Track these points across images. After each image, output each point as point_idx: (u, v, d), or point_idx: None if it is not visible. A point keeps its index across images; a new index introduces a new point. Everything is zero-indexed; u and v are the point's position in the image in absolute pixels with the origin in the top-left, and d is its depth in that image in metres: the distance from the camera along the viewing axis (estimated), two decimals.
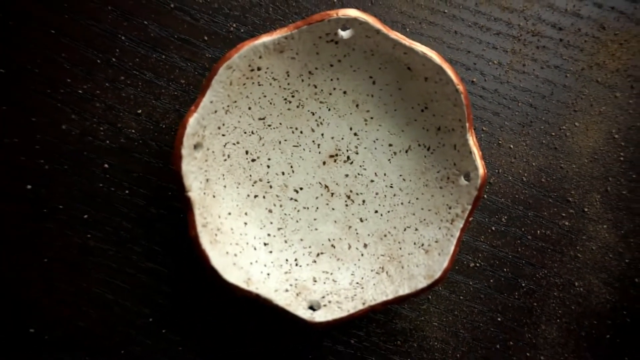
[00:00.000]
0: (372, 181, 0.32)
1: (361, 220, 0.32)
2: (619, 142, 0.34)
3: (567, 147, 0.34)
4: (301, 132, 0.31)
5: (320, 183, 0.31)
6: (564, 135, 0.34)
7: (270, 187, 0.31)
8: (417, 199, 0.31)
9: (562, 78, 0.33)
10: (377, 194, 0.31)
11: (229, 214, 0.29)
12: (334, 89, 0.30)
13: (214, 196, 0.29)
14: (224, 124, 0.29)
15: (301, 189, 0.31)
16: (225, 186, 0.30)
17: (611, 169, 0.34)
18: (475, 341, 0.33)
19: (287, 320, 0.32)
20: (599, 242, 0.34)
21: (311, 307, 0.29)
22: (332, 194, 0.32)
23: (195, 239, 0.26)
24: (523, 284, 0.34)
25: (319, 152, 0.31)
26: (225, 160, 0.29)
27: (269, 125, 0.30)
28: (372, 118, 0.31)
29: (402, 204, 0.31)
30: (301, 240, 0.31)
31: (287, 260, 0.31)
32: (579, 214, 0.34)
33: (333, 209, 0.32)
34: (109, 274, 0.31)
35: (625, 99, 0.34)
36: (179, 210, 0.32)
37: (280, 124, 0.31)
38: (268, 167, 0.31)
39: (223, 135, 0.29)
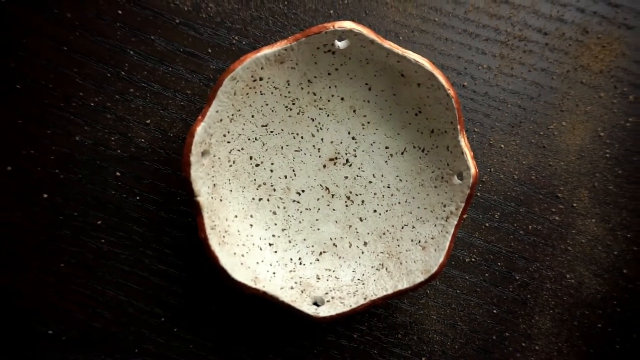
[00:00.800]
0: (370, 182, 0.33)
1: (361, 219, 0.33)
2: (605, 140, 0.35)
3: (555, 146, 0.35)
4: (302, 138, 0.32)
5: (321, 185, 0.33)
6: (552, 135, 0.35)
7: (274, 190, 0.32)
8: (413, 198, 0.32)
9: (548, 80, 0.35)
10: (375, 194, 0.33)
11: (236, 216, 0.31)
12: (332, 95, 0.32)
13: (221, 200, 0.30)
14: (229, 132, 0.30)
15: (303, 191, 0.33)
16: (231, 190, 0.31)
17: (598, 165, 0.35)
18: (472, 333, 0.35)
19: (292, 316, 0.33)
20: (588, 236, 0.35)
21: (315, 303, 0.30)
22: (333, 195, 0.33)
23: (205, 241, 0.27)
24: (517, 277, 0.35)
25: (320, 156, 0.32)
26: (230, 165, 0.31)
27: (272, 132, 0.32)
28: (369, 122, 0.32)
29: (399, 203, 0.32)
30: (304, 240, 0.32)
31: (291, 259, 0.32)
32: (568, 209, 0.35)
33: (334, 209, 0.33)
34: (122, 276, 0.33)
35: (609, 99, 0.35)
36: (187, 214, 0.33)
37: (282, 130, 0.32)
38: (271, 171, 0.32)
39: (228, 142, 0.30)
